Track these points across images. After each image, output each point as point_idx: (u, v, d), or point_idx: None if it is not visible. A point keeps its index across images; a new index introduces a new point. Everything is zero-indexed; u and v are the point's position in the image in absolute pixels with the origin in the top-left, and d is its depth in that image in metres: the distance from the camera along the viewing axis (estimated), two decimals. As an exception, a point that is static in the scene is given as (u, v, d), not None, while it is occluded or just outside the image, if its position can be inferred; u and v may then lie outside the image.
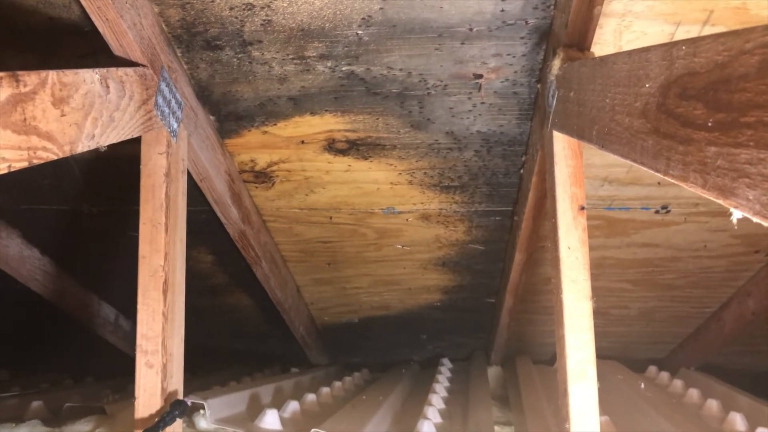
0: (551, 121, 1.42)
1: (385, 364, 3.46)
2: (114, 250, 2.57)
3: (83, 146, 1.20)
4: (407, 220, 2.27)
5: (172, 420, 1.41)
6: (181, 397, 1.55)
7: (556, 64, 1.37)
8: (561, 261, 1.40)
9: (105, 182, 2.18)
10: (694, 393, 2.36)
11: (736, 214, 0.57)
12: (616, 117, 0.92)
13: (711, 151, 0.60)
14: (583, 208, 1.41)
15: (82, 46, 1.59)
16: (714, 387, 2.43)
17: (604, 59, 1.01)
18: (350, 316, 3.06)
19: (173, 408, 1.42)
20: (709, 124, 0.60)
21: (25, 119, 1.03)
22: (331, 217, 2.28)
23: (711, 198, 0.60)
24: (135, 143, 1.54)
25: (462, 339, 3.33)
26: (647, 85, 0.78)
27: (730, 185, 0.55)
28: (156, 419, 1.40)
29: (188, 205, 1.66)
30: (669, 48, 0.71)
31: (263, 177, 2.06)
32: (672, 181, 0.70)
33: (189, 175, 1.76)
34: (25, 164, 1.03)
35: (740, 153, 0.54)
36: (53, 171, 2.12)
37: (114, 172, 2.09)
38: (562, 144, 1.42)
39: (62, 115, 1.13)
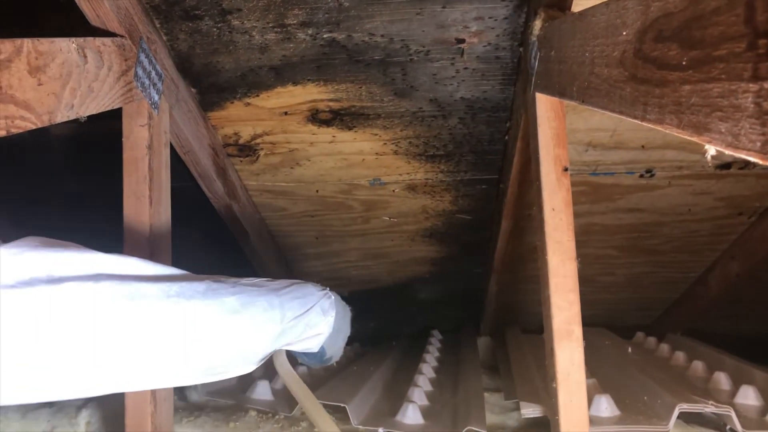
0: (534, 83, 1.42)
1: (375, 337, 3.47)
2: (102, 230, 2.56)
3: (62, 116, 1.19)
4: (393, 191, 2.27)
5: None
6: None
7: (537, 24, 1.37)
8: (545, 223, 1.41)
9: (90, 160, 2.16)
10: (680, 355, 2.39)
11: (711, 151, 0.57)
12: (595, 70, 0.92)
13: (685, 89, 0.60)
14: (566, 170, 1.42)
15: (58, 19, 1.57)
16: (699, 349, 2.47)
17: (582, 13, 1.01)
18: (339, 290, 3.05)
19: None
20: (684, 63, 0.60)
21: (1, 87, 1.02)
22: (317, 190, 2.28)
23: (686, 136, 0.60)
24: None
25: (451, 310, 3.36)
26: (624, 33, 0.78)
27: (704, 121, 0.56)
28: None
29: (173, 180, 1.65)
30: (645, -8, 0.71)
31: (247, 150, 2.05)
32: (649, 126, 0.71)
33: (173, 149, 1.75)
34: (3, 133, 1.02)
35: (713, 87, 0.54)
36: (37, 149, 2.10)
37: (98, 149, 2.07)
38: (544, 105, 1.42)
39: (39, 84, 1.12)
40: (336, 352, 1.33)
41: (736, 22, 0.51)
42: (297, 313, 1.14)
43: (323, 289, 1.27)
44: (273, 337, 1.10)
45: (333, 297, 1.28)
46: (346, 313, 1.37)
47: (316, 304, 1.20)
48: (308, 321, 1.17)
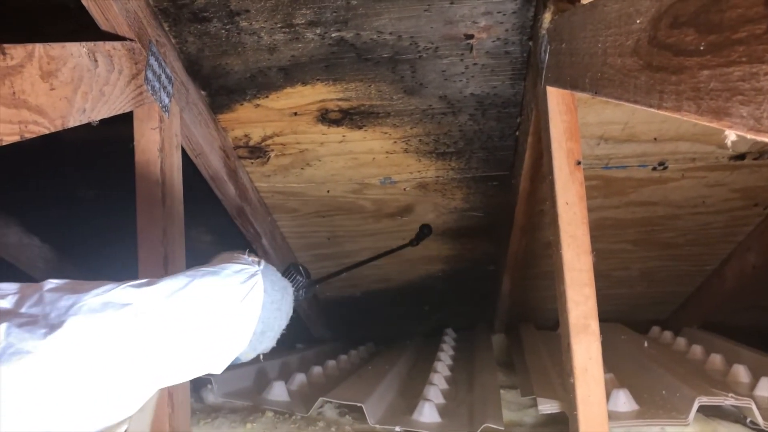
0: (544, 76, 1.41)
1: (389, 337, 3.47)
2: (115, 235, 2.57)
3: (75, 120, 1.19)
4: (404, 189, 2.26)
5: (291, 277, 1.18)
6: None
7: (547, 17, 1.36)
8: (559, 217, 1.40)
9: (101, 165, 2.17)
10: (697, 349, 2.37)
11: (731, 137, 0.56)
12: (608, 60, 0.91)
13: (704, 75, 0.59)
14: (579, 163, 1.41)
15: (69, 24, 1.58)
16: (717, 342, 2.44)
17: (593, 4, 1.00)
18: (352, 291, 3.07)
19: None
20: (702, 48, 0.59)
21: (14, 93, 1.02)
22: (328, 191, 2.28)
23: (705, 123, 0.59)
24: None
25: (465, 308, 3.34)
26: (638, 21, 0.77)
27: (724, 105, 0.55)
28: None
29: (185, 182, 1.65)
30: (658, -21, 0.70)
31: (258, 152, 2.05)
32: (666, 114, 0.70)
33: (184, 152, 1.75)
34: (16, 138, 1.03)
35: (733, 71, 0.54)
36: (48, 156, 2.11)
37: (109, 154, 2.08)
38: (556, 99, 1.41)
39: (51, 89, 1.12)
40: (261, 351, 0.99)
41: (755, 3, 0.50)
42: (189, 334, 0.81)
43: (252, 273, 0.93)
44: (123, 398, 0.74)
45: (262, 284, 0.93)
46: (285, 295, 1.01)
47: (231, 310, 0.87)
48: (211, 337, 0.85)
